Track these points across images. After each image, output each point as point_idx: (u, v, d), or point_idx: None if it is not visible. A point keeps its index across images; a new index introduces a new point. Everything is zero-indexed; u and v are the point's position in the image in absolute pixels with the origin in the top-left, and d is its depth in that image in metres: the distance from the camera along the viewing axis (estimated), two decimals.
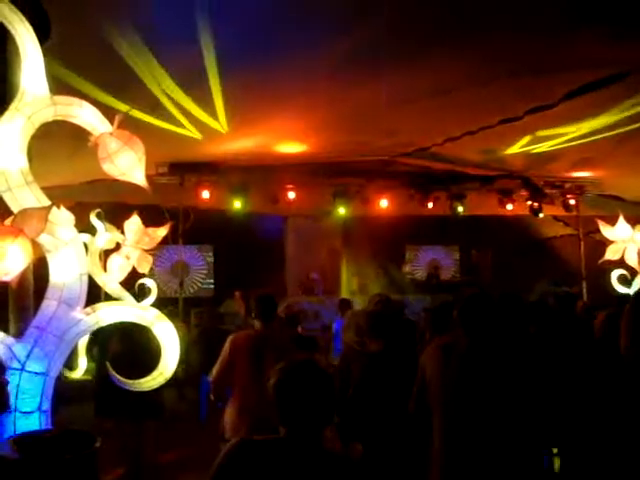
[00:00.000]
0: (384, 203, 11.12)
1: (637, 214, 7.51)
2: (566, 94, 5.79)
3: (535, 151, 8.61)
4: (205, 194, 10.04)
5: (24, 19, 2.96)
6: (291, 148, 8.71)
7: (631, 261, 6.96)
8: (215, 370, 4.36)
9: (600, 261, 7.18)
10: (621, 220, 7.06)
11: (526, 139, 7.97)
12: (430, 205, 11.07)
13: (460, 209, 11.13)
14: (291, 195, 10.60)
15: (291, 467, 1.99)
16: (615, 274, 7.03)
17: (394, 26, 4.50)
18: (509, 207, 11.34)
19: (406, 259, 14.67)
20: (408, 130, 7.64)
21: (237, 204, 10.23)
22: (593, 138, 7.50)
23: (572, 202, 11.36)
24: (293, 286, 13.18)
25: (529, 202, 11.32)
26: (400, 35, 4.66)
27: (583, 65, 5.16)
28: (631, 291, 6.52)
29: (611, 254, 7.02)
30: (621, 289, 6.89)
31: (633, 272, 6.95)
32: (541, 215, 11.55)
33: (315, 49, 4.97)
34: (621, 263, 7.03)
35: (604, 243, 7.39)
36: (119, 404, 5.06)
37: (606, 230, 7.15)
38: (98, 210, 4.31)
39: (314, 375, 2.10)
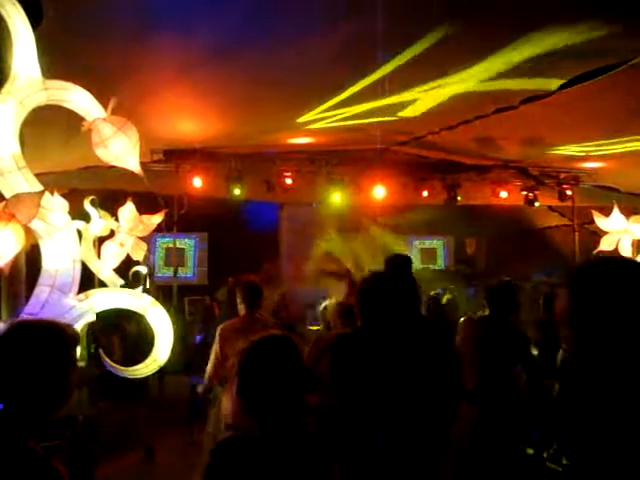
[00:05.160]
0: (379, 192, 11.07)
1: (632, 205, 7.51)
2: (562, 83, 5.76)
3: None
4: (200, 181, 9.97)
5: (15, 1, 2.92)
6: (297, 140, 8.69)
7: (625, 252, 6.97)
8: (209, 366, 4.29)
9: (594, 252, 7.19)
10: (615, 211, 7.07)
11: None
12: (425, 194, 11.06)
13: (459, 198, 11.11)
14: (287, 182, 10.54)
15: (270, 465, 1.91)
16: None
17: (388, 15, 4.46)
18: (504, 196, 11.33)
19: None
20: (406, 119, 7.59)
21: (235, 191, 10.17)
22: None
23: (568, 193, 11.35)
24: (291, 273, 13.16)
25: (524, 192, 11.31)
26: (395, 23, 4.62)
27: (580, 54, 5.13)
28: None
29: (605, 245, 7.04)
30: None
31: None
32: (536, 205, 11.55)
33: (311, 38, 4.93)
34: (615, 254, 7.04)
35: (598, 234, 7.40)
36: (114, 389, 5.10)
37: (601, 221, 7.15)
38: (92, 197, 4.30)
39: (284, 350, 1.97)
